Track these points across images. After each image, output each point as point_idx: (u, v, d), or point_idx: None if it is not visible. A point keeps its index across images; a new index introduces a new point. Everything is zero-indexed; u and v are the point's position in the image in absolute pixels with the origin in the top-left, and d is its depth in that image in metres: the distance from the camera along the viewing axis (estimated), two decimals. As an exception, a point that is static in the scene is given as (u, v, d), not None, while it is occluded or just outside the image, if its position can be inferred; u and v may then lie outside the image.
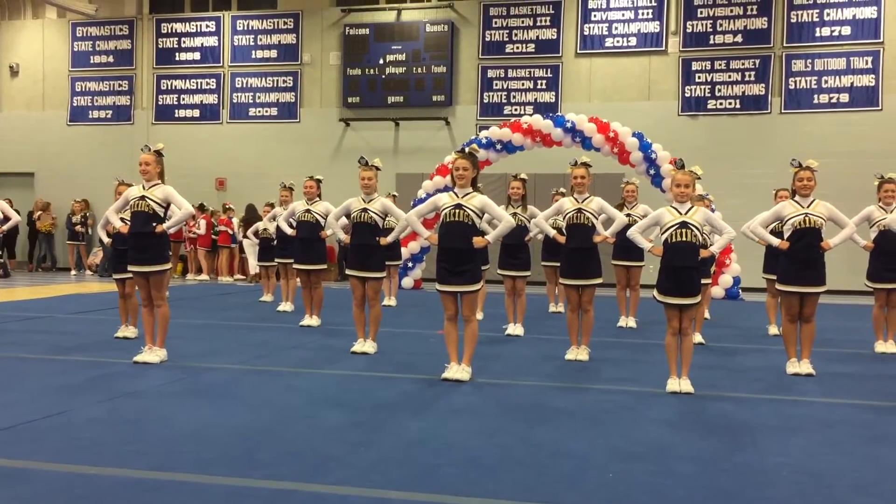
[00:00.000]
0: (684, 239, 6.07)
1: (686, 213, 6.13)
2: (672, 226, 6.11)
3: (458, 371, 6.41)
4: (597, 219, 7.43)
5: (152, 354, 6.95)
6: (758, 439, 4.81)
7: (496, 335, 9.05)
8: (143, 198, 6.92)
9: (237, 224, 17.74)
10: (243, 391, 5.98)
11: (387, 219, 8.40)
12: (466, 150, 6.61)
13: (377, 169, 7.89)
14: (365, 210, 7.68)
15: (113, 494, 3.67)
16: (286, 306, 11.41)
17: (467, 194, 6.40)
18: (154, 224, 6.89)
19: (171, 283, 15.29)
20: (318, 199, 9.72)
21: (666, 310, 6.19)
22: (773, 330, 9.42)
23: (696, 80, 17.48)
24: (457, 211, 6.32)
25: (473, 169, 6.44)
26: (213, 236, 18.08)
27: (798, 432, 5.00)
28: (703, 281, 7.23)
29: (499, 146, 15.12)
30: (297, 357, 7.56)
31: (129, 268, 7.13)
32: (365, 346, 7.66)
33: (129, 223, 7.23)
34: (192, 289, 15.53)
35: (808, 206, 6.81)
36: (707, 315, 10.94)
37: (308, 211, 9.62)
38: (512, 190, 9.25)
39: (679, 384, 6.12)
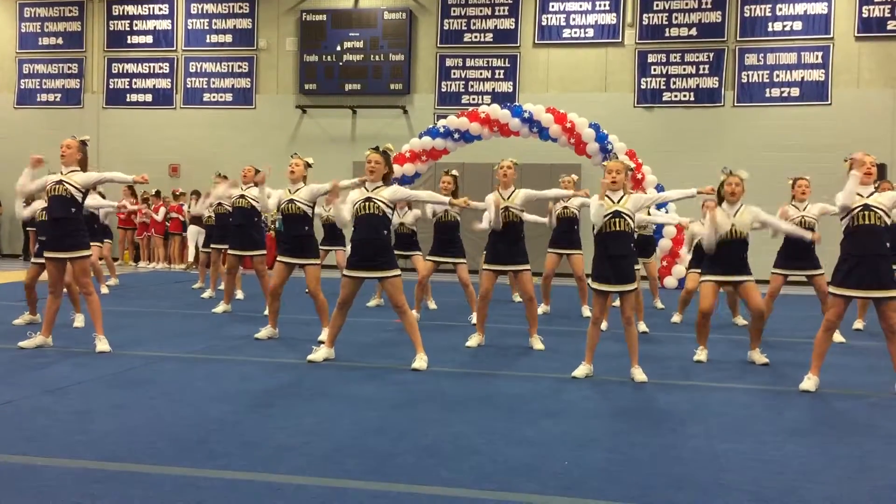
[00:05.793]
0: (618, 228, 6.17)
1: (618, 202, 6.21)
2: (606, 216, 6.19)
3: (417, 361, 6.43)
4: (522, 213, 7.49)
5: (102, 343, 6.82)
6: (709, 426, 4.89)
7: (453, 324, 9.05)
8: (60, 182, 6.74)
9: (187, 211, 17.52)
10: (196, 381, 5.89)
11: (329, 212, 8.33)
12: (381, 147, 6.66)
13: (308, 165, 7.69)
14: (291, 201, 7.51)
15: (61, 485, 3.59)
16: (238, 294, 11.30)
17: (377, 187, 6.48)
18: (73, 209, 6.68)
19: (121, 272, 15.04)
20: (252, 184, 9.49)
21: (596, 297, 6.27)
22: (741, 321, 9.62)
23: (652, 72, 17.66)
24: (367, 204, 6.43)
25: (386, 165, 6.54)
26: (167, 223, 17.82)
27: (748, 420, 5.09)
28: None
29: (456, 135, 15.11)
30: (251, 346, 7.47)
31: (47, 254, 6.83)
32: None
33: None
34: (145, 277, 15.27)
35: (734, 215, 6.84)
36: (659, 304, 11.13)
37: (242, 196, 9.44)
38: (442, 184, 9.31)
39: (634, 373, 6.20)
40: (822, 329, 6.05)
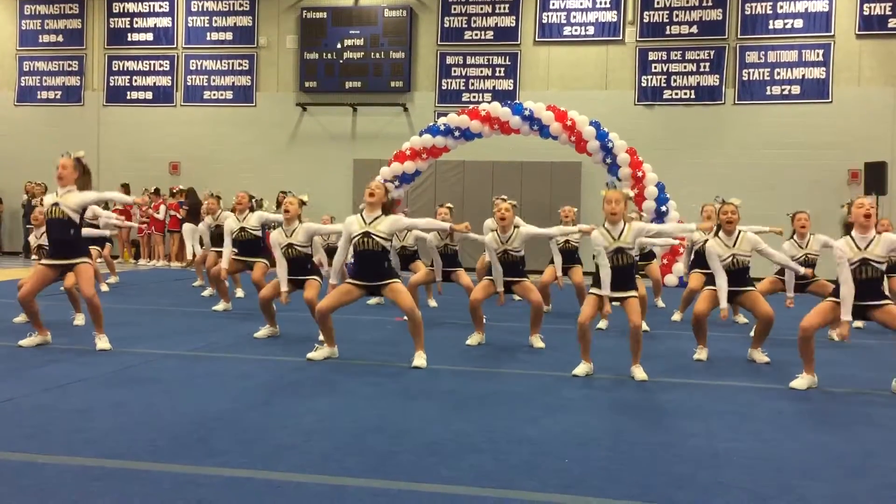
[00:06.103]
0: (621, 263, 6.21)
1: (619, 237, 6.20)
2: (609, 252, 6.20)
3: (417, 358, 6.44)
4: (522, 252, 7.56)
5: (102, 341, 6.81)
6: (709, 424, 4.89)
7: (453, 322, 9.05)
8: (56, 204, 6.69)
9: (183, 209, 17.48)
10: (196, 378, 5.89)
11: (328, 240, 8.52)
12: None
13: (303, 203, 7.68)
14: (290, 245, 7.46)
15: (61, 483, 3.59)
16: (238, 293, 11.32)
17: (375, 218, 6.48)
18: (72, 230, 6.66)
19: (121, 270, 15.04)
20: (248, 211, 9.41)
21: (589, 299, 6.27)
22: (741, 318, 9.63)
23: (653, 69, 17.66)
24: (365, 240, 6.44)
25: (386, 196, 6.63)
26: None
27: (748, 418, 5.09)
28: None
29: (457, 133, 15.11)
30: (251, 344, 7.48)
31: (46, 261, 6.80)
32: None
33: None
34: (145, 274, 15.27)
35: (734, 246, 6.95)
36: (660, 303, 11.13)
37: (242, 229, 9.34)
38: (438, 216, 9.30)
39: (635, 371, 6.20)
40: (799, 338, 6.00)
